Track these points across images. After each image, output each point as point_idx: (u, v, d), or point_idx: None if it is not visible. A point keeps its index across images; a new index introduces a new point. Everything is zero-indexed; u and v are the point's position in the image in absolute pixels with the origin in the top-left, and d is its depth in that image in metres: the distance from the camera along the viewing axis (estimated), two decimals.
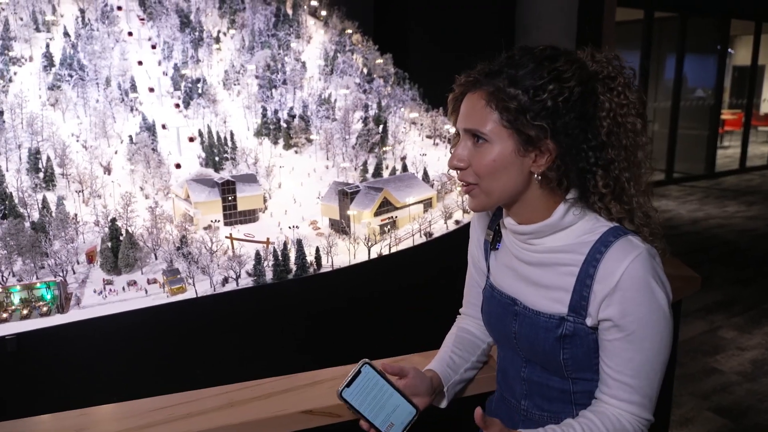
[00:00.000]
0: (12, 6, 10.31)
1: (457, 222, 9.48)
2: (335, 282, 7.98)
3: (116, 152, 9.39)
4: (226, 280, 7.62)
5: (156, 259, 7.87)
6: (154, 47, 11.11)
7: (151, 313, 6.99)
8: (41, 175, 8.45)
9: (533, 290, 1.32)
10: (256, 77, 11.06)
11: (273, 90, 10.93)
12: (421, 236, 9.07)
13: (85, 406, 1.50)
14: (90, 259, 7.62)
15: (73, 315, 6.85)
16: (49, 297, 6.87)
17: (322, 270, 8.05)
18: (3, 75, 9.33)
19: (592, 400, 1.29)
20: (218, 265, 7.73)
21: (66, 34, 10.36)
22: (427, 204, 9.70)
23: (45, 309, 6.74)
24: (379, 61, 11.82)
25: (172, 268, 7.61)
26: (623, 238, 1.20)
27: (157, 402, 1.50)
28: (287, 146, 10.44)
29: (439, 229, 9.28)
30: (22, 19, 10.31)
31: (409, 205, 9.35)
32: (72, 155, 8.85)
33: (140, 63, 10.78)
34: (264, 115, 10.57)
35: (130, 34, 11.11)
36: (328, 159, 10.40)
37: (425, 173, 10.19)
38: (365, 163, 10.18)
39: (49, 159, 8.61)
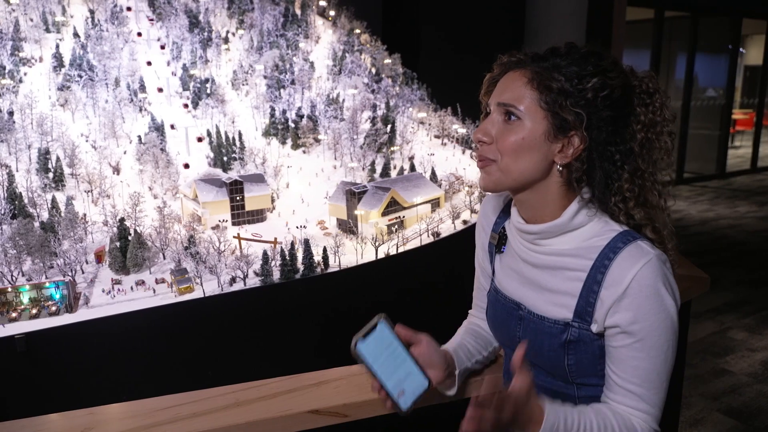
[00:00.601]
0: (22, 7, 10.39)
1: (464, 222, 9.46)
2: (342, 282, 7.98)
3: (125, 152, 9.44)
4: (233, 280, 7.63)
5: (164, 258, 7.91)
6: (163, 48, 11.17)
7: (159, 313, 7.01)
8: (51, 175, 8.50)
9: (538, 295, 1.31)
10: (265, 77, 11.09)
11: (281, 90, 10.95)
12: (428, 236, 9.05)
13: (92, 405, 1.51)
14: (99, 258, 7.66)
15: (81, 314, 6.89)
16: (58, 296, 6.91)
17: (330, 270, 8.06)
18: (13, 75, 9.40)
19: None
20: (226, 264, 7.75)
21: (76, 34, 10.43)
22: (435, 204, 9.69)
23: (54, 308, 6.79)
24: (388, 61, 11.82)
25: (180, 268, 7.64)
26: (633, 244, 1.19)
27: (163, 401, 1.50)
28: (295, 146, 10.46)
29: (447, 229, 9.27)
30: (32, 20, 10.39)
31: (417, 204, 9.34)
32: (81, 155, 8.91)
33: (149, 63, 10.83)
34: (272, 115, 10.59)
35: (139, 34, 11.17)
36: (335, 159, 10.41)
37: (433, 173, 10.18)
38: (373, 163, 10.18)
39: (58, 159, 8.67)
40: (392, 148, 10.65)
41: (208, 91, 10.57)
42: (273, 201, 9.34)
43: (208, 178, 9.18)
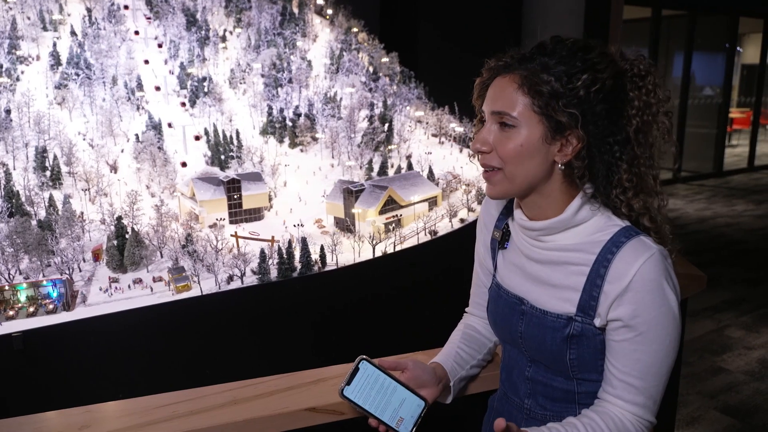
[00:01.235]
0: (19, 5, 10.36)
1: (462, 220, 9.46)
2: (340, 280, 7.99)
3: (122, 151, 9.43)
4: (231, 278, 7.63)
5: (161, 257, 7.90)
6: (160, 46, 11.15)
7: (157, 311, 7.01)
8: (48, 173, 8.49)
9: (541, 289, 1.31)
10: (262, 76, 11.08)
11: (279, 89, 10.94)
12: (426, 234, 9.06)
13: (90, 403, 1.51)
14: (96, 257, 7.65)
15: (79, 312, 6.88)
16: (55, 294, 6.90)
17: (327, 268, 8.06)
18: (10, 74, 9.37)
19: (595, 400, 1.28)
20: (223, 263, 7.75)
21: (73, 33, 10.41)
22: (432, 202, 9.69)
23: (51, 306, 6.78)
24: (385, 59, 11.81)
25: (177, 266, 7.64)
26: (635, 239, 1.19)
27: (161, 399, 1.51)
28: (293, 145, 10.45)
29: (444, 227, 9.27)
30: (29, 18, 10.36)
31: (414, 203, 9.34)
32: (78, 154, 8.89)
33: (146, 62, 10.81)
34: (269, 114, 10.58)
35: (136, 33, 11.14)
36: (333, 157, 10.41)
37: (430, 172, 10.18)
38: (370, 162, 10.17)
39: (55, 157, 8.65)
40: (389, 147, 10.65)
41: (206, 89, 10.55)
42: (270, 199, 9.33)
43: (205, 176, 9.18)
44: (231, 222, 8.83)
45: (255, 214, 9.03)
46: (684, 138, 13.23)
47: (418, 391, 1.30)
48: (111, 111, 9.56)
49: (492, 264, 1.50)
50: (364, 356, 1.24)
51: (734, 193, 11.94)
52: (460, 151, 11.23)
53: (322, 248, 8.11)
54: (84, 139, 9.31)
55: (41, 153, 8.53)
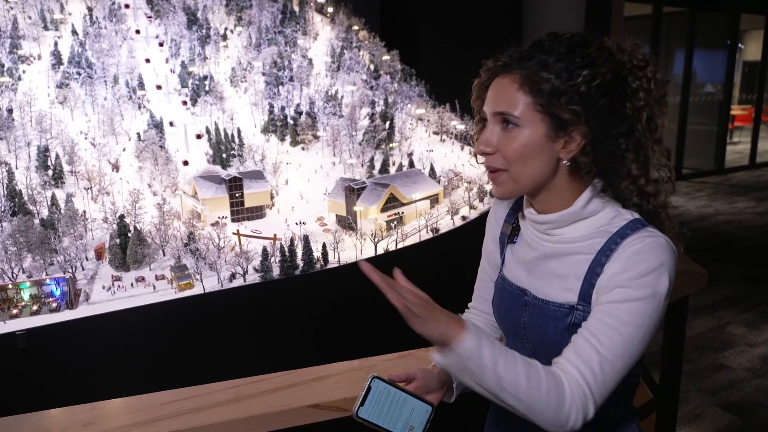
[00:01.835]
0: (21, 5, 10.37)
1: (463, 218, 9.47)
2: (342, 278, 7.99)
3: (124, 149, 9.44)
4: (233, 276, 7.64)
5: (164, 255, 7.92)
6: (161, 45, 11.15)
7: (160, 309, 7.03)
8: (50, 172, 8.50)
9: (545, 281, 1.31)
10: (263, 74, 11.08)
11: (280, 87, 10.95)
12: (427, 232, 9.06)
13: (94, 400, 1.52)
14: (99, 255, 7.66)
15: (82, 311, 6.90)
16: (58, 293, 6.92)
17: (329, 266, 8.07)
18: (12, 73, 9.39)
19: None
20: (226, 261, 7.76)
21: (74, 32, 10.41)
22: (434, 200, 9.70)
23: (54, 305, 6.80)
24: (386, 57, 11.81)
25: (180, 264, 7.65)
26: (642, 230, 1.20)
27: (165, 396, 1.51)
28: (294, 143, 10.45)
29: (446, 224, 9.28)
30: (30, 18, 10.37)
31: (416, 201, 9.35)
32: (80, 153, 8.91)
33: (148, 61, 10.81)
34: (271, 112, 10.59)
35: (137, 31, 11.15)
36: (334, 155, 10.41)
37: (432, 169, 10.18)
38: (372, 160, 10.18)
39: (57, 156, 8.66)
40: (391, 145, 10.65)
41: (207, 88, 10.56)
42: (272, 197, 9.34)
43: (207, 175, 9.19)
44: (233, 220, 8.84)
45: (257, 212, 9.04)
46: (685, 135, 13.20)
47: (425, 398, 1.31)
48: (112, 110, 9.57)
49: (500, 259, 1.51)
50: (375, 374, 1.25)
51: (735, 191, 11.92)
52: (462, 148, 11.23)
53: (324, 246, 8.12)
54: (86, 138, 9.32)
55: (43, 152, 8.55)
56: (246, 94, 10.94)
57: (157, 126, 9.64)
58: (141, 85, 10.22)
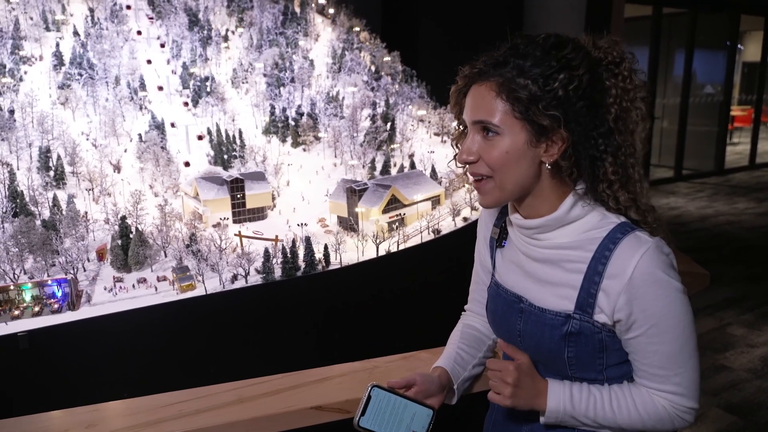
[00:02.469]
0: (22, 5, 10.39)
1: (465, 219, 9.47)
2: (344, 279, 8.00)
3: (126, 150, 9.45)
4: (235, 278, 7.65)
5: (166, 256, 7.92)
6: (162, 46, 11.17)
7: (161, 311, 7.03)
8: (52, 173, 8.51)
9: (540, 287, 1.31)
10: (265, 75, 11.09)
11: (281, 88, 10.95)
12: (429, 233, 9.06)
13: (95, 402, 1.52)
14: (100, 256, 7.67)
15: (83, 312, 6.91)
16: (60, 294, 6.93)
17: (331, 267, 8.07)
18: (14, 74, 9.40)
19: None
20: (227, 262, 7.77)
21: (76, 33, 10.43)
22: (435, 201, 9.70)
23: (56, 306, 6.80)
24: (387, 58, 11.81)
25: (181, 266, 7.66)
26: (631, 234, 1.19)
27: (167, 398, 1.51)
28: (295, 144, 10.46)
29: (447, 226, 9.28)
30: (32, 19, 10.39)
31: (417, 202, 9.35)
32: (82, 153, 8.92)
33: (149, 62, 10.83)
34: (272, 113, 10.60)
35: (139, 32, 11.16)
36: (336, 157, 10.42)
37: (433, 170, 10.19)
38: (373, 161, 10.18)
39: (59, 157, 8.68)
40: (392, 146, 10.66)
41: (208, 89, 10.57)
42: (274, 199, 9.35)
43: (208, 176, 9.19)
44: (235, 221, 8.85)
45: (258, 214, 9.04)
46: (685, 136, 13.19)
47: (426, 402, 1.32)
48: (114, 111, 9.59)
49: (491, 262, 1.51)
50: (375, 383, 1.26)
51: (735, 191, 11.91)
52: None
53: (325, 247, 8.12)
54: (87, 139, 9.33)
55: (45, 153, 8.56)
56: (247, 95, 10.95)
57: (159, 127, 9.66)
58: (142, 86, 10.24)
